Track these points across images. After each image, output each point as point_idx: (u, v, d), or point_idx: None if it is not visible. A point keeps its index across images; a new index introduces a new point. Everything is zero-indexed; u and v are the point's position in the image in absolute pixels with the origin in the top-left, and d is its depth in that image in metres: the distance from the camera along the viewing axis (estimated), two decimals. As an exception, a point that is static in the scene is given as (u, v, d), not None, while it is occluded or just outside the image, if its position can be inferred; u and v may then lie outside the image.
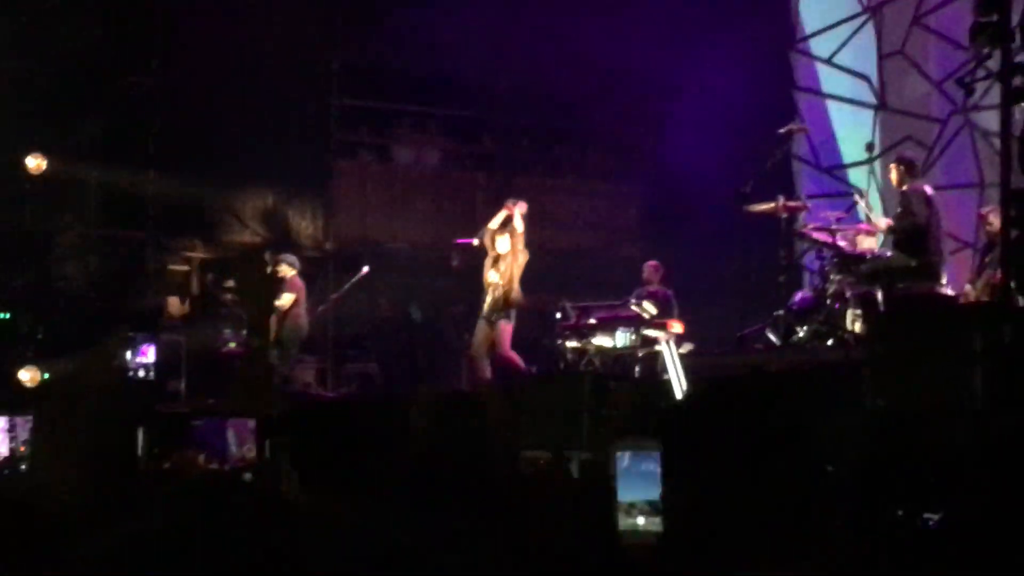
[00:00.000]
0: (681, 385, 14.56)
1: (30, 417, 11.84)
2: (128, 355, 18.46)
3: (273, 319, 19.08)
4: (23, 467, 11.87)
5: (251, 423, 13.84)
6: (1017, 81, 11.82)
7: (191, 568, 1.90)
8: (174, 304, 19.43)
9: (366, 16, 22.65)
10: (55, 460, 3.67)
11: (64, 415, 3.87)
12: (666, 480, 3.02)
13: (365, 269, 19.69)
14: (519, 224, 17.25)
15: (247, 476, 9.26)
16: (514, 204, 17.37)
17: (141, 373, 18.23)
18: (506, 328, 17.02)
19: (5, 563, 3.25)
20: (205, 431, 13.96)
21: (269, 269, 19.62)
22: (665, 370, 16.49)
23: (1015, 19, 11.89)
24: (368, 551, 3.38)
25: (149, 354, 18.51)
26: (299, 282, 19.47)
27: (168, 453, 9.30)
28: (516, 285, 17.07)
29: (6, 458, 12.70)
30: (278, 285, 19.28)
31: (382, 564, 3.34)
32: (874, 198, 19.40)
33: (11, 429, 12.78)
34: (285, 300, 19.06)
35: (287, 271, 19.34)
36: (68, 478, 3.78)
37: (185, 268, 21.10)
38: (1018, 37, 11.85)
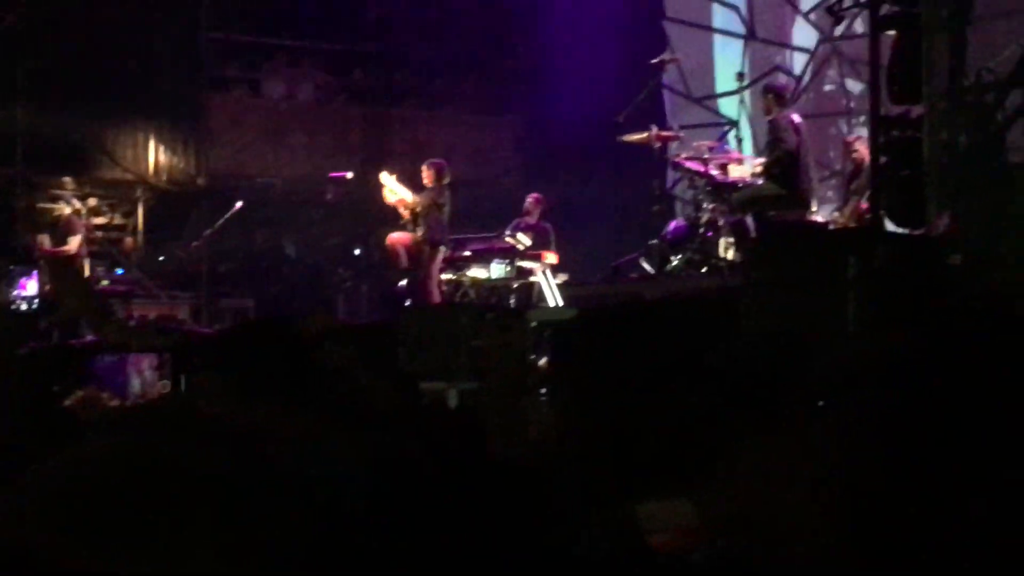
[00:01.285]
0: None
1: None
2: (7, 289, 18.18)
3: (48, 267, 18.24)
4: None
5: (149, 359, 13.67)
6: (885, 9, 12.02)
7: (149, 495, 1.91)
8: (44, 241, 19.15)
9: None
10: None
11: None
12: (553, 403, 3.08)
13: (239, 204, 19.56)
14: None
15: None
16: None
17: (24, 307, 17.95)
18: (432, 259, 17.32)
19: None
20: (104, 368, 13.79)
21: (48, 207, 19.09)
22: (540, 300, 16.63)
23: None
24: (313, 469, 3.41)
25: (29, 287, 18.22)
26: (77, 221, 18.91)
27: (68, 391, 9.18)
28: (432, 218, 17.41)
29: None
30: (58, 226, 18.64)
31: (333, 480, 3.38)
32: (744, 128, 19.63)
33: None
34: (73, 244, 18.34)
35: (65, 210, 18.78)
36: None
37: (55, 206, 20.85)
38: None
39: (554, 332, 9.12)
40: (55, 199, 19.04)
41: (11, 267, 18.67)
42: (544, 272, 16.39)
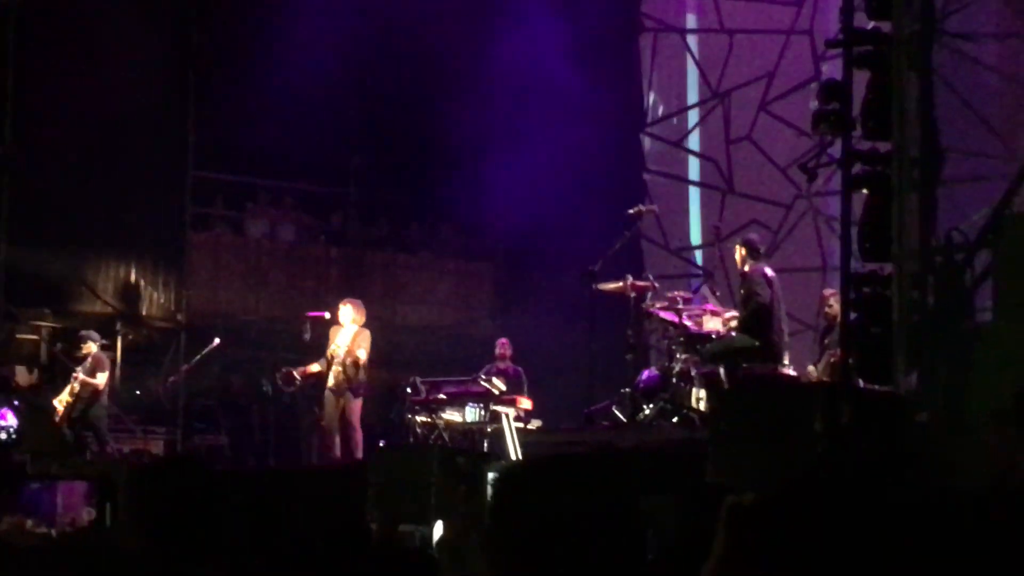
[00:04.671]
0: (517, 457, 14.72)
1: None
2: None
3: (71, 400, 18.65)
4: None
5: (80, 487, 13.65)
6: (857, 168, 12.24)
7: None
8: (22, 374, 19.25)
9: (222, 90, 22.72)
10: None
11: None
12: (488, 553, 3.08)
13: (216, 341, 19.64)
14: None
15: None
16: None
17: (3, 436, 18.00)
18: (357, 401, 17.11)
19: None
20: (34, 495, 13.77)
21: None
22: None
23: (855, 109, 12.34)
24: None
25: (8, 418, 18.28)
26: (106, 358, 19.21)
27: (-2, 517, 9.28)
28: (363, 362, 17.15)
29: None
30: (86, 363, 18.84)
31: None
32: (719, 280, 19.82)
33: None
34: (101, 380, 18.60)
35: (92, 347, 18.98)
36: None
37: (34, 338, 20.90)
38: (859, 126, 12.28)
39: (494, 481, 9.16)
40: (86, 340, 19.05)
41: None
42: (508, 421, 16.38)
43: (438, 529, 11.48)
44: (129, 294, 22.00)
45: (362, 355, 17.04)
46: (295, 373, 17.67)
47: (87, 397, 18.54)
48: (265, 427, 21.85)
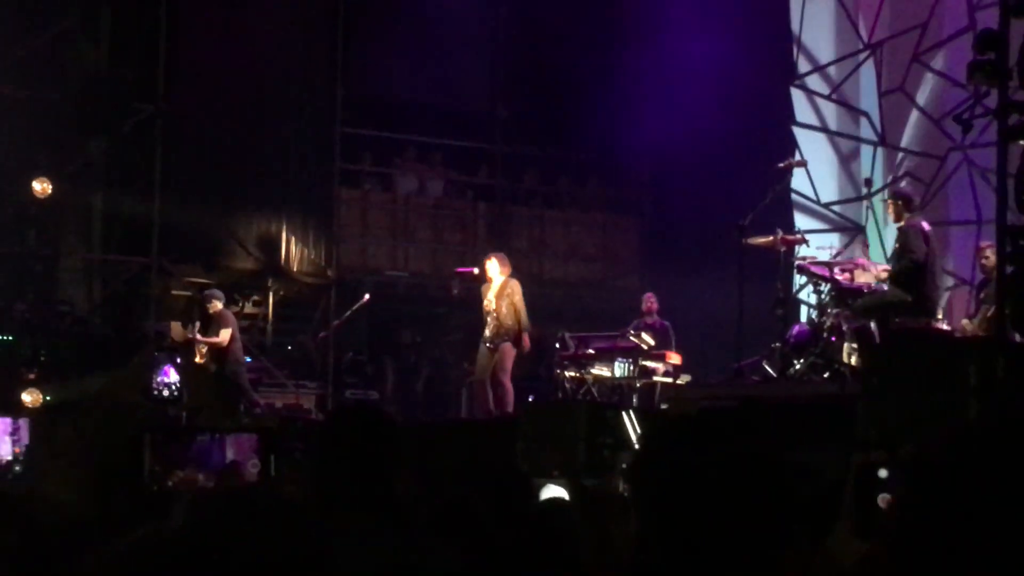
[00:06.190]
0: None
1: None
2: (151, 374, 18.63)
3: (208, 355, 19.01)
4: (17, 469, 11.95)
5: (252, 439, 13.81)
6: (1013, 118, 11.94)
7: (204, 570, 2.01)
8: (176, 329, 19.51)
9: (371, 46, 22.82)
10: (54, 469, 3.79)
11: (67, 427, 4.00)
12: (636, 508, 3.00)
13: (366, 297, 19.77)
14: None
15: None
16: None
17: (165, 392, 18.34)
18: (509, 352, 16.93)
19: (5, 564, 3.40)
20: (204, 448, 13.95)
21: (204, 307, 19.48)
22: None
23: (1012, 58, 12.05)
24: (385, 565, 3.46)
25: (171, 375, 18.61)
26: (231, 315, 19.46)
27: (169, 471, 9.41)
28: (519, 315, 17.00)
29: (8, 461, 12.75)
30: (211, 321, 19.13)
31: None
32: (871, 234, 19.54)
33: (14, 432, 12.84)
34: (224, 336, 18.84)
35: (218, 305, 19.18)
36: (68, 487, 3.90)
37: (188, 293, 21.17)
38: (1015, 75, 11.99)
39: (641, 435, 9.10)
40: (210, 299, 19.30)
41: (156, 353, 19.10)
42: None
43: (585, 484, 11.45)
44: (279, 250, 22.21)
45: (517, 303, 16.91)
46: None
47: (217, 355, 18.79)
48: (416, 381, 22.00)
